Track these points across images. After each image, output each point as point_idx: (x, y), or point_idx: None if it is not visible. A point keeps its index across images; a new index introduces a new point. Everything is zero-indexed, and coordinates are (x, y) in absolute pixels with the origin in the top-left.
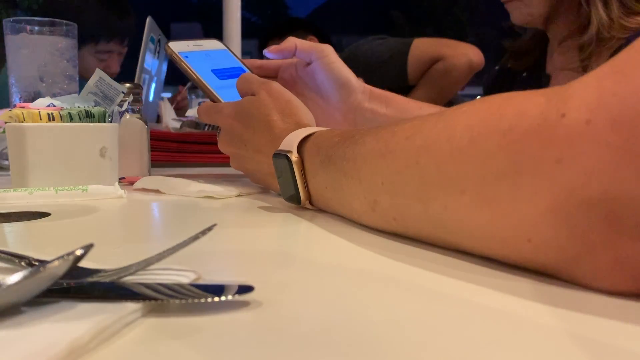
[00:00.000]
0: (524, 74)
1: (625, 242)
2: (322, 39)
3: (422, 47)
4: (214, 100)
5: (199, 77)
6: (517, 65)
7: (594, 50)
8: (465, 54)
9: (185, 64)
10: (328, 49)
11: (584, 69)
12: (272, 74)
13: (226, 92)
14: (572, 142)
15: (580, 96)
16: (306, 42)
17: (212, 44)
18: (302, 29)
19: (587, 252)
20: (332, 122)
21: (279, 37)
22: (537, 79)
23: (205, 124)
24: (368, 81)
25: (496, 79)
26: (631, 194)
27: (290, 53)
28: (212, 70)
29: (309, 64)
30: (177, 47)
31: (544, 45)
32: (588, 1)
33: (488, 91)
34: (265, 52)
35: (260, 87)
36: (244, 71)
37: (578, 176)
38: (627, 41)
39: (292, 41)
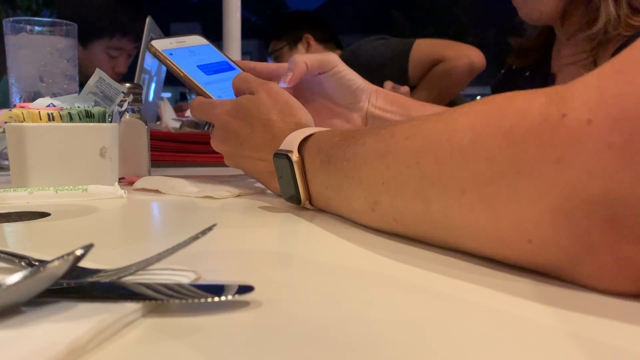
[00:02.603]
0: (527, 73)
1: (626, 243)
2: (325, 33)
3: (424, 48)
4: (203, 96)
5: (186, 73)
6: (520, 63)
7: (601, 43)
8: (467, 56)
9: (170, 61)
10: (336, 60)
11: (594, 61)
12: (265, 78)
13: (214, 87)
14: (573, 142)
15: (581, 96)
16: (314, 58)
17: (195, 40)
18: (304, 25)
19: (588, 253)
20: (341, 122)
21: (289, 33)
22: (541, 78)
23: (205, 124)
24: (369, 81)
25: (502, 79)
26: (632, 195)
27: (302, 75)
28: (198, 66)
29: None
30: (161, 45)
31: (549, 43)
32: None
33: (495, 92)
34: (281, 83)
35: (260, 87)
36: (229, 65)
37: (579, 176)
38: (629, 39)
39: (301, 64)
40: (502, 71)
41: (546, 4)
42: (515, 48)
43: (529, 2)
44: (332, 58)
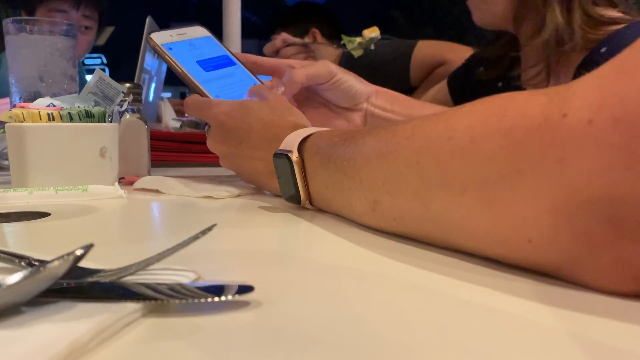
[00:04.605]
0: (499, 84)
1: (626, 243)
2: (333, 29)
3: (426, 51)
4: (200, 94)
5: (184, 70)
6: (490, 74)
7: (554, 55)
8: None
9: (169, 57)
10: (333, 70)
11: (548, 73)
12: (267, 73)
13: (213, 85)
14: (574, 142)
15: (582, 96)
16: (311, 73)
17: (196, 32)
18: (312, 18)
19: (589, 253)
20: (341, 123)
21: (297, 24)
22: (514, 90)
23: (205, 124)
24: (370, 81)
25: (464, 87)
26: (633, 195)
27: (294, 92)
28: (198, 62)
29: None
30: (160, 38)
31: (515, 52)
32: (545, 2)
33: (457, 99)
34: None
35: (270, 94)
36: (230, 59)
37: (580, 176)
38: (591, 52)
39: (296, 84)
40: (464, 64)
41: (498, 5)
42: (483, 59)
43: (482, 5)
44: (331, 68)
